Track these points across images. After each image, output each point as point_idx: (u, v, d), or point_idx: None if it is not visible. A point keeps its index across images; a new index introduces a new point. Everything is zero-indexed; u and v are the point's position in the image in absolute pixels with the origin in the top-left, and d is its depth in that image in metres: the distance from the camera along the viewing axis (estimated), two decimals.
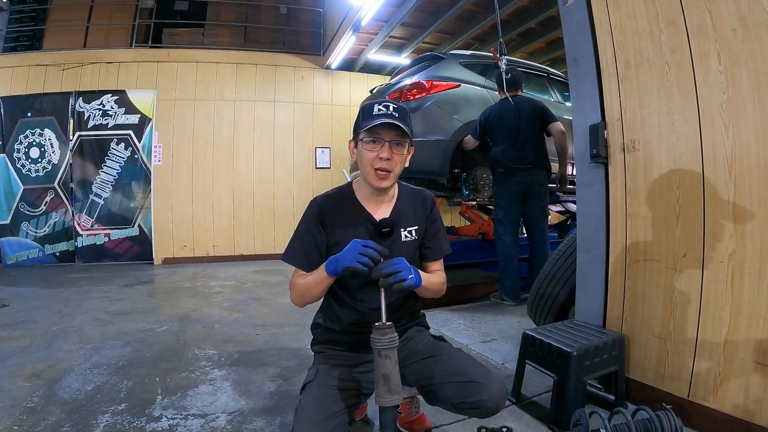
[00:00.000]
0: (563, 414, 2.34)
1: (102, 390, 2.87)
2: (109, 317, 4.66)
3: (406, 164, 2.01)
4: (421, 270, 2.04)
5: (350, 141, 2.05)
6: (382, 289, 1.72)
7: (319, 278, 1.87)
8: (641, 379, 2.60)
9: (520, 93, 4.96)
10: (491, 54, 5.36)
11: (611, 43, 2.70)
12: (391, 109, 1.89)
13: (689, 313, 2.35)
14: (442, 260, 2.21)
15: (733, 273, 2.16)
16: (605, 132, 2.75)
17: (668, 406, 2.05)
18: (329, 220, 2.00)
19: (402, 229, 2.06)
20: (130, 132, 8.80)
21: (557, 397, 2.40)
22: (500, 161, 4.78)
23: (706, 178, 2.26)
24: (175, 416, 2.54)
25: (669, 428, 1.98)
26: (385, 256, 1.74)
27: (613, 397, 2.62)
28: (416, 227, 2.10)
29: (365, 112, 1.93)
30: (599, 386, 2.76)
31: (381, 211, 2.05)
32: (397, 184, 2.11)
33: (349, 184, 2.13)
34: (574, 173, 3.13)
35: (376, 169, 1.90)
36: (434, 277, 2.08)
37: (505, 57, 5.01)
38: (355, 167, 2.01)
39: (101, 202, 8.73)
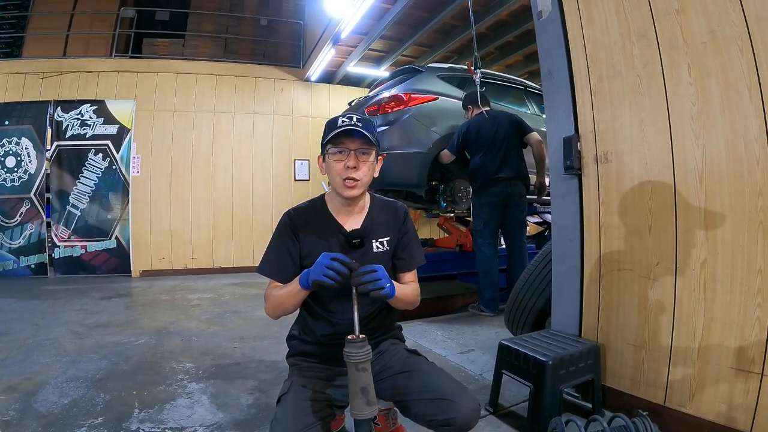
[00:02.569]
0: (540, 423, 2.35)
1: (79, 403, 2.83)
2: (86, 330, 4.60)
3: (376, 174, 2.02)
4: (395, 280, 2.05)
5: (319, 157, 2.05)
6: (356, 302, 1.71)
7: (293, 291, 1.87)
8: (617, 386, 2.62)
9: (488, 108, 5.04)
10: (467, 68, 5.42)
11: (584, 56, 2.75)
12: (354, 119, 1.91)
13: (663, 320, 2.38)
14: (415, 272, 2.20)
15: (705, 280, 2.20)
16: (578, 144, 2.80)
17: (644, 413, 2.07)
18: (301, 231, 2.01)
19: (373, 240, 2.07)
20: (109, 142, 8.71)
21: (534, 406, 2.42)
22: (482, 172, 4.80)
23: (677, 188, 2.30)
24: (153, 429, 2.51)
25: None
26: (353, 269, 1.73)
27: (590, 405, 2.65)
28: (388, 238, 2.10)
29: (329, 126, 1.94)
30: (576, 394, 2.78)
31: (352, 223, 2.06)
32: (368, 195, 2.13)
33: (322, 197, 2.14)
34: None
35: (344, 179, 1.92)
36: (407, 288, 2.06)
37: (480, 71, 5.07)
38: None
39: (78, 213, 8.61)
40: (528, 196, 5.10)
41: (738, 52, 2.05)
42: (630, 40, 2.50)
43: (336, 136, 1.89)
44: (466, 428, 1.78)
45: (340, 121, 1.91)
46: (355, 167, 1.90)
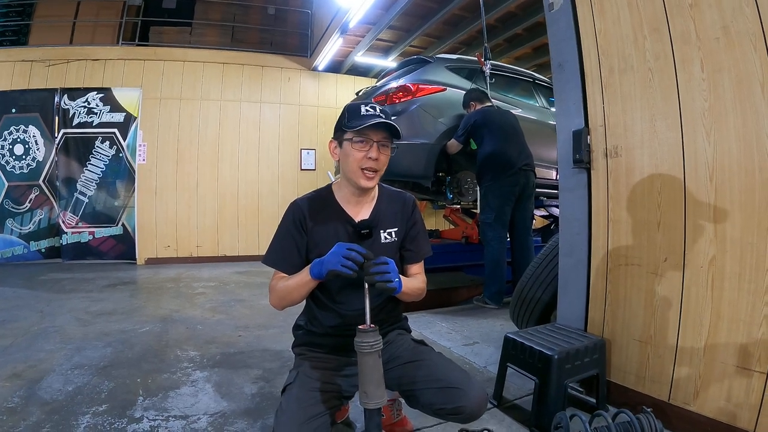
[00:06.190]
0: (544, 417, 2.34)
1: (83, 390, 2.85)
2: (90, 317, 4.62)
3: (386, 166, 2.02)
4: (401, 272, 2.05)
5: (331, 141, 2.05)
6: (367, 293, 1.72)
7: (302, 281, 1.87)
8: (622, 382, 2.61)
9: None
10: (476, 58, 5.40)
11: (596, 49, 2.73)
12: (378, 110, 1.91)
13: (670, 317, 2.37)
14: (422, 263, 2.20)
15: (713, 278, 2.19)
16: (588, 137, 2.78)
17: (648, 409, 2.07)
18: (309, 222, 2.00)
19: (381, 231, 2.06)
20: (115, 130, 8.76)
21: (538, 400, 2.41)
22: (499, 160, 4.77)
23: (687, 184, 2.28)
24: (156, 417, 2.52)
25: (649, 431, 1.99)
26: (369, 259, 1.73)
27: (594, 400, 2.63)
28: (396, 229, 2.10)
29: (351, 111, 1.93)
30: (580, 389, 2.78)
31: (360, 213, 2.06)
32: (377, 185, 2.12)
33: (329, 186, 2.13)
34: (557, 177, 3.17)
35: (363, 169, 1.91)
36: (414, 281, 2.07)
37: (490, 62, 5.06)
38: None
39: (85, 200, 8.69)
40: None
41: (751, 48, 2.02)
42: (642, 33, 2.47)
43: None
44: (474, 417, 1.80)
45: (363, 110, 1.90)
46: (376, 159, 1.90)
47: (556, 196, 5.65)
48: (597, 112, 2.74)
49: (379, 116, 1.88)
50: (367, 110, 1.90)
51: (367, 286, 1.72)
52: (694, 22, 2.23)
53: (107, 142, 8.73)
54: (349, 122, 1.91)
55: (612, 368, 2.67)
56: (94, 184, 8.72)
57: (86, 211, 8.71)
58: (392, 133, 1.93)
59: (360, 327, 1.67)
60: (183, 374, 3.16)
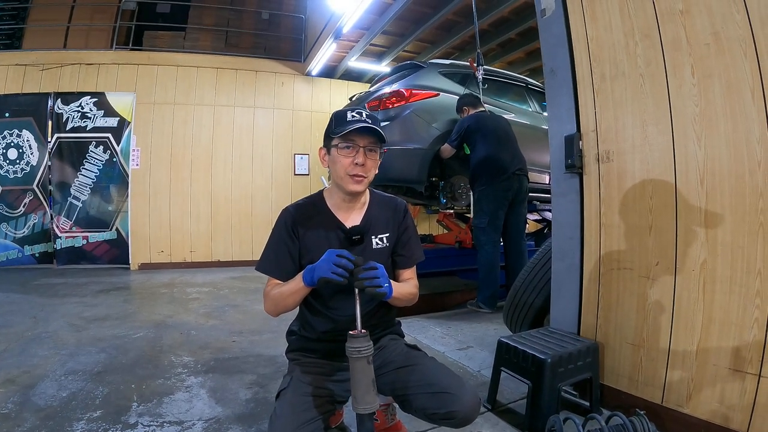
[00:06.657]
0: (538, 420, 2.36)
1: (77, 396, 2.84)
2: (84, 323, 4.60)
3: (376, 170, 2.03)
4: (393, 278, 2.06)
5: (321, 148, 2.06)
6: (357, 298, 1.72)
7: (295, 288, 1.87)
8: (615, 385, 2.63)
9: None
10: (469, 64, 5.43)
11: (587, 55, 2.75)
12: (364, 115, 1.91)
13: (662, 320, 2.38)
14: (414, 268, 2.21)
15: (704, 281, 2.20)
16: (580, 143, 2.79)
17: (642, 412, 2.08)
18: (300, 228, 2.00)
19: (373, 237, 2.06)
20: (109, 135, 8.73)
21: (532, 403, 2.42)
22: (493, 164, 4.80)
23: (678, 188, 2.30)
24: (151, 423, 2.51)
25: None
26: (358, 265, 1.74)
27: (587, 403, 2.65)
28: (387, 234, 2.10)
29: (338, 118, 1.95)
30: (574, 392, 2.79)
31: (352, 219, 2.06)
32: (368, 191, 2.13)
33: (320, 193, 2.14)
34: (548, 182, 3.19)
35: (351, 175, 1.92)
36: (406, 286, 2.07)
37: (483, 67, 5.08)
38: None
39: (79, 204, 8.66)
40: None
41: (741, 54, 2.04)
42: (633, 39, 2.49)
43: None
44: (466, 421, 1.81)
45: (349, 116, 1.91)
46: (362, 164, 1.91)
47: (549, 201, 5.67)
48: (589, 118, 2.76)
49: (364, 121, 1.88)
50: (353, 116, 1.91)
51: (357, 291, 1.73)
52: (684, 29, 2.25)
53: (101, 147, 8.70)
54: (335, 129, 1.92)
55: (605, 371, 2.68)
56: (87, 188, 8.69)
57: (80, 215, 8.68)
58: (379, 138, 1.93)
59: (351, 332, 1.67)
60: (177, 380, 3.16)
